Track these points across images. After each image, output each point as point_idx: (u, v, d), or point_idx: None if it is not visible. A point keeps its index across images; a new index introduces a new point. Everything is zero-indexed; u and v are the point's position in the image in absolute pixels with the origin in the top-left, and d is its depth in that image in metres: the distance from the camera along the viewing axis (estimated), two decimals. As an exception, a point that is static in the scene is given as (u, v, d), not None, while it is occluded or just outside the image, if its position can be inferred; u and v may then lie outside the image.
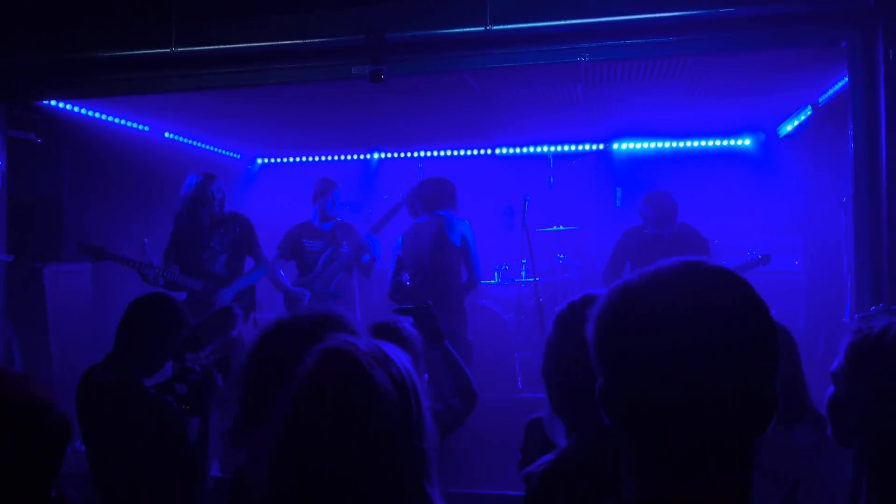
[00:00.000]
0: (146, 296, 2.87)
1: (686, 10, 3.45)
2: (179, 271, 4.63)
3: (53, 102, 4.88)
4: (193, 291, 4.62)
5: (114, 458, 2.60)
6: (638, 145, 7.42)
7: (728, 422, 0.91)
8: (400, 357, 1.32)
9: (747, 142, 7.21)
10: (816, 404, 2.14)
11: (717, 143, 7.28)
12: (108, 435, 2.60)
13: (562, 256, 6.98)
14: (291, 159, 8.25)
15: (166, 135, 6.47)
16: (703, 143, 7.30)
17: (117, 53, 4.02)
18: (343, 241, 5.37)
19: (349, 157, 8.08)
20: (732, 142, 7.26)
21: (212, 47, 3.92)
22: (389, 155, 8.00)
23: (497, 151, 7.76)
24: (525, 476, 1.59)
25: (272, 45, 3.88)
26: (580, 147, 7.59)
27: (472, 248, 4.82)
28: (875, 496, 1.40)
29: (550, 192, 7.07)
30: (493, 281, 6.53)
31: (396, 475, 1.22)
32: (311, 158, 8.17)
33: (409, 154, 7.94)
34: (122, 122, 5.75)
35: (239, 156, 8.01)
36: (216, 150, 7.52)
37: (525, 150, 7.69)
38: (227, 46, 3.91)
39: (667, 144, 7.34)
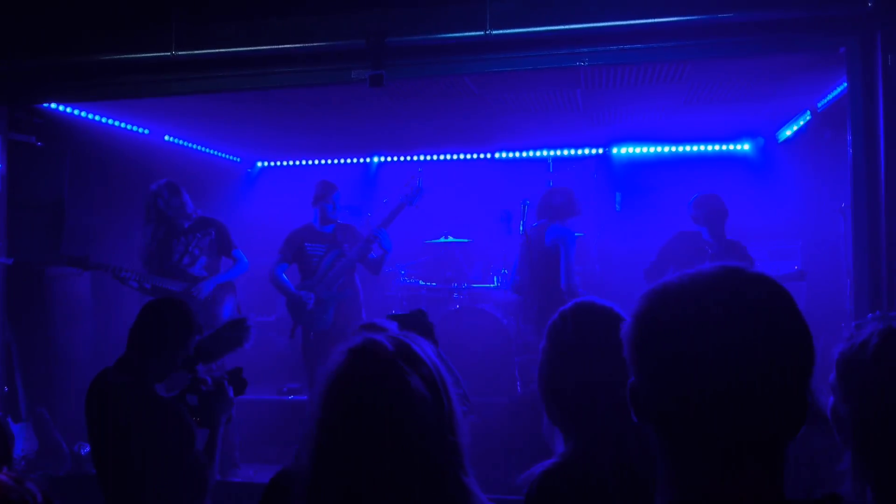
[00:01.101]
0: (160, 299, 2.89)
1: (685, 16, 3.46)
2: (159, 275, 4.77)
3: (54, 105, 4.89)
4: (177, 293, 4.68)
5: (121, 461, 2.60)
6: (637, 150, 7.41)
7: (766, 422, 0.93)
8: (427, 351, 1.32)
9: (746, 147, 7.21)
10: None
11: (717, 147, 7.28)
12: (117, 437, 2.60)
13: (561, 260, 6.97)
14: (291, 163, 8.25)
15: (166, 138, 6.47)
16: (702, 147, 7.29)
17: (118, 57, 4.03)
18: (344, 243, 5.36)
19: (349, 160, 8.08)
20: (731, 146, 7.26)
21: (212, 51, 3.93)
22: (389, 158, 7.99)
23: (496, 155, 7.76)
24: (524, 481, 1.60)
25: (272, 49, 3.88)
26: (580, 151, 7.59)
27: (561, 255, 4.99)
28: (878, 501, 1.40)
29: (550, 196, 7.05)
30: (492, 285, 6.54)
31: (433, 471, 1.23)
32: (310, 162, 8.16)
33: (408, 158, 7.92)
34: (123, 125, 5.76)
35: (239, 159, 8.02)
36: (216, 153, 7.53)
37: (524, 154, 7.69)
38: (228, 50, 3.92)
39: (666, 149, 7.33)
